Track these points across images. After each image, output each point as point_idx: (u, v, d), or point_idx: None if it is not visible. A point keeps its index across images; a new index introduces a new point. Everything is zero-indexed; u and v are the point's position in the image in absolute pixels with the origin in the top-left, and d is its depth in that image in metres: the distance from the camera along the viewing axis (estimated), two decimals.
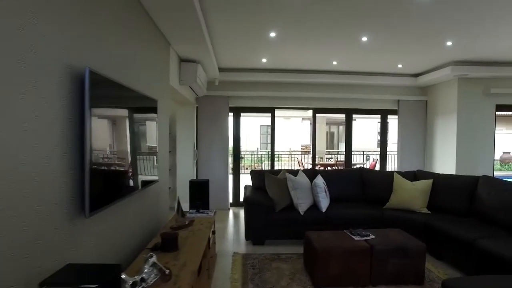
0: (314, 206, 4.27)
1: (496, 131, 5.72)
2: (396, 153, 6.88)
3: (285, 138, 16.08)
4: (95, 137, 1.74)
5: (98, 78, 1.75)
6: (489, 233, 3.21)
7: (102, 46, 1.96)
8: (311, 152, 7.05)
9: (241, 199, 5.75)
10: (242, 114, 6.58)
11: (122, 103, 2.20)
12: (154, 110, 3.00)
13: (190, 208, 3.77)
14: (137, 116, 2.52)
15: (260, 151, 15.36)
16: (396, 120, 6.66)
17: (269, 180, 4.35)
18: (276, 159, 12.11)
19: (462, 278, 2.42)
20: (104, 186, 1.88)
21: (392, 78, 6.12)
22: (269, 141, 6.70)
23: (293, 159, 13.75)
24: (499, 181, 3.81)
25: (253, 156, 14.11)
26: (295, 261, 3.58)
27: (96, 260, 1.86)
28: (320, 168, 9.59)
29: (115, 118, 2.11)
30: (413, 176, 4.65)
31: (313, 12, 3.29)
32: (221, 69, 5.76)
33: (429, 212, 4.09)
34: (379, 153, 7.21)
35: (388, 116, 6.85)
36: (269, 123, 6.68)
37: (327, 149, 15.86)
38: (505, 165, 14.75)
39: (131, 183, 2.40)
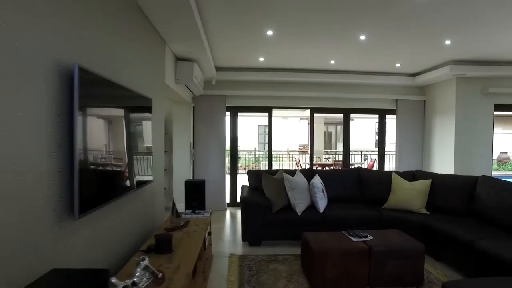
0: (312, 206, 4.22)
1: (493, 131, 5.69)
2: (394, 153, 6.85)
3: (283, 138, 16.04)
4: (85, 137, 1.68)
5: (88, 75, 1.69)
6: (489, 234, 3.17)
7: (93, 43, 1.90)
8: (309, 152, 7.01)
9: (238, 200, 5.69)
10: (239, 113, 6.53)
11: (114, 102, 2.14)
12: (148, 109, 2.95)
13: (186, 209, 3.72)
14: (130, 115, 2.46)
15: (258, 151, 15.31)
16: (394, 120, 6.62)
17: (266, 180, 4.30)
18: (273, 159, 12.07)
19: (462, 281, 2.38)
20: (95, 186, 1.83)
21: (390, 77, 6.08)
22: (266, 141, 6.65)
23: (291, 159, 13.70)
24: (498, 181, 3.77)
25: (250, 156, 14.06)
26: (292, 262, 3.53)
27: (86, 264, 1.80)
28: (318, 168, 9.54)
29: (107, 117, 2.05)
30: (411, 176, 4.61)
31: (310, 11, 3.24)
32: (218, 68, 5.71)
33: (428, 212, 4.05)
34: (377, 153, 7.18)
35: (386, 116, 6.81)
36: (267, 123, 6.62)
37: (325, 149, 15.85)
38: (503, 165, 14.77)
39: (124, 183, 2.34)
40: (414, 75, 6.12)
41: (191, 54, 4.29)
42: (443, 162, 5.84)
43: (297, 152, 15.04)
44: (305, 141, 16.15)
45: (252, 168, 12.96)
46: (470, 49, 4.50)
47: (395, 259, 2.93)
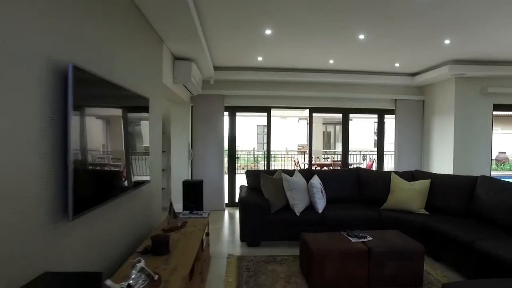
0: (311, 207, 4.19)
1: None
2: (393, 153, 6.83)
3: (282, 138, 16.01)
4: (79, 136, 1.65)
5: (83, 74, 1.66)
6: (488, 234, 3.15)
7: (88, 41, 1.86)
8: (308, 152, 6.98)
9: (237, 200, 5.66)
10: (237, 113, 6.50)
11: (109, 101, 2.11)
12: (145, 109, 2.91)
13: (184, 209, 3.69)
14: (127, 115, 2.43)
15: (257, 151, 15.29)
16: (393, 120, 6.60)
17: (265, 180, 4.27)
18: (272, 159, 12.04)
19: (462, 282, 2.36)
20: (90, 187, 1.79)
21: (389, 77, 6.06)
22: (265, 141, 6.62)
23: (289, 159, 13.69)
24: (497, 181, 3.76)
25: (249, 156, 14.04)
26: (291, 263, 3.50)
27: (81, 266, 1.77)
28: (317, 168, 9.52)
29: (102, 116, 2.02)
30: (410, 176, 4.59)
31: (309, 10, 3.21)
32: (216, 68, 5.68)
33: (427, 213, 4.03)
34: (375, 153, 7.16)
35: (385, 116, 6.79)
36: (266, 123, 6.60)
37: (323, 149, 15.83)
38: (501, 165, 14.79)
39: (121, 184, 2.31)
40: (413, 75, 6.11)
41: (189, 53, 4.26)
42: (442, 162, 5.82)
43: (296, 152, 15.01)
44: (304, 141, 16.14)
45: (251, 168, 12.93)
46: (470, 48, 4.48)
47: (394, 260, 2.91)
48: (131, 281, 1.65)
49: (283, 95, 6.24)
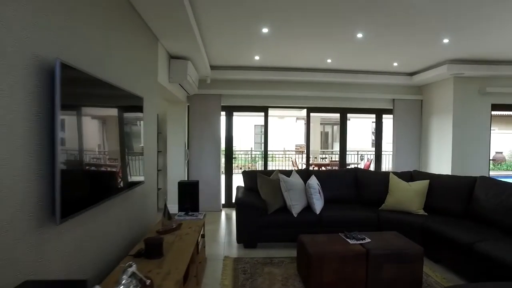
0: (308, 207, 4.14)
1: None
2: (390, 153, 6.79)
3: (279, 138, 15.97)
4: (68, 136, 1.59)
5: (72, 72, 1.60)
6: (488, 236, 3.11)
7: (78, 37, 1.80)
8: (305, 152, 6.93)
9: (234, 200, 5.60)
10: (235, 113, 6.44)
11: (101, 100, 2.04)
12: (139, 108, 2.85)
13: (179, 211, 3.62)
14: (119, 114, 2.36)
15: (254, 151, 15.23)
16: (391, 120, 6.56)
17: (262, 181, 4.21)
18: (270, 159, 11.98)
19: (464, 286, 2.31)
20: (80, 188, 1.73)
21: (387, 76, 6.02)
22: (263, 141, 6.56)
23: (287, 159, 13.63)
24: (497, 182, 3.71)
25: (247, 156, 13.97)
26: (288, 265, 3.44)
27: (69, 272, 1.71)
28: (315, 168, 9.47)
29: (93, 115, 1.95)
30: (409, 176, 4.55)
31: (307, 8, 3.15)
32: (213, 67, 5.61)
33: (426, 213, 3.99)
34: (373, 153, 7.11)
35: (383, 116, 6.75)
36: (263, 123, 6.54)
37: (321, 149, 15.78)
38: (498, 165, 14.81)
39: (113, 185, 2.24)
40: (411, 74, 6.06)
41: (185, 52, 4.19)
42: (440, 162, 5.79)
43: (294, 152, 14.96)
44: (302, 141, 16.09)
45: (249, 168, 12.86)
46: (468, 48, 4.44)
47: (393, 262, 2.86)
48: (121, 287, 1.59)
49: (281, 94, 6.18)
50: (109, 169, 2.20)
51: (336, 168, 8.69)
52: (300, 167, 10.63)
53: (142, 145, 2.98)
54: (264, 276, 3.18)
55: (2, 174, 1.23)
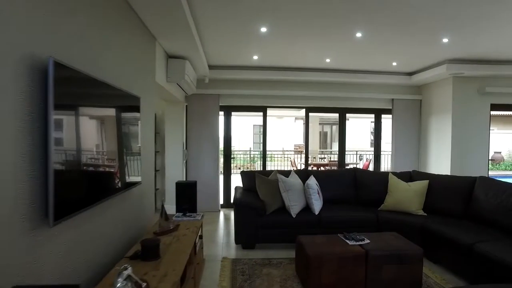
0: (307, 208, 4.11)
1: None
2: (389, 153, 6.77)
3: (278, 138, 15.92)
4: (62, 136, 1.56)
5: (66, 71, 1.57)
6: (488, 236, 3.09)
7: (73, 36, 1.76)
8: (304, 152, 6.90)
9: (232, 201, 5.57)
10: (233, 113, 6.41)
11: (96, 100, 2.01)
12: (136, 108, 2.82)
13: (177, 211, 3.59)
14: (115, 114, 2.33)
15: (253, 151, 15.19)
16: (390, 120, 6.55)
17: (260, 181, 4.18)
18: (269, 159, 11.95)
19: None
20: (74, 190, 1.70)
21: (386, 76, 5.99)
22: (261, 141, 6.54)
23: (286, 159, 13.60)
24: (496, 182, 3.69)
25: (246, 156, 13.94)
26: (287, 266, 3.41)
27: (64, 276, 1.67)
28: (313, 168, 9.46)
29: (88, 115, 1.92)
30: (408, 176, 4.53)
31: (305, 7, 3.12)
32: (211, 67, 5.58)
33: (425, 214, 3.96)
34: (372, 153, 7.09)
35: (382, 116, 6.73)
36: (262, 123, 6.51)
37: (320, 149, 15.76)
38: (497, 165, 14.82)
39: (109, 185, 2.21)
40: (410, 74, 6.04)
41: (182, 51, 4.16)
42: (439, 162, 5.77)
43: (293, 152, 14.94)
44: (301, 141, 16.05)
45: (247, 168, 12.84)
46: (468, 47, 4.42)
47: (392, 264, 2.83)
48: None
49: (279, 94, 6.15)
50: (104, 169, 2.17)
51: (335, 168, 8.67)
52: (299, 167, 10.61)
53: (139, 145, 2.95)
54: (263, 277, 3.15)
55: None
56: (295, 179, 4.26)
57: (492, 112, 5.62)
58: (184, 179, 5.86)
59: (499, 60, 5.04)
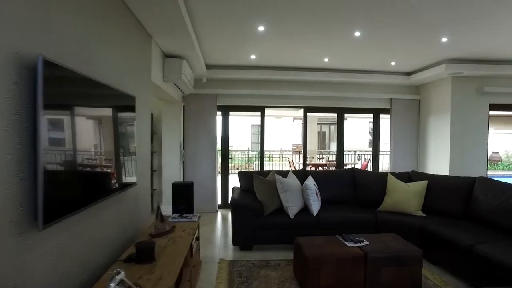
0: (305, 209, 4.07)
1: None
2: (387, 153, 6.74)
3: (276, 138, 15.88)
4: (52, 137, 1.51)
5: (56, 69, 1.52)
6: (488, 238, 3.06)
7: (65, 33, 1.71)
8: (302, 152, 6.87)
9: (229, 201, 5.53)
10: (231, 113, 6.36)
11: (89, 99, 1.96)
12: (131, 108, 2.77)
13: (173, 212, 3.54)
14: (109, 114, 2.29)
15: (251, 151, 15.15)
16: (388, 120, 6.51)
17: (258, 182, 4.14)
18: (267, 159, 11.91)
19: None
20: (65, 192, 1.65)
21: (385, 76, 5.96)
22: (259, 141, 6.49)
23: (284, 159, 13.56)
24: (496, 183, 3.67)
25: (244, 156, 13.89)
26: (285, 268, 3.37)
27: (54, 281, 1.62)
28: (312, 168, 9.42)
29: (80, 115, 1.87)
30: (407, 177, 4.49)
31: (303, 3, 3.08)
32: (208, 66, 5.53)
33: (424, 214, 3.93)
34: (371, 153, 7.06)
35: (380, 115, 6.70)
36: (260, 123, 6.46)
37: (318, 149, 15.75)
38: (494, 165, 14.83)
39: (102, 187, 2.16)
40: (409, 74, 6.01)
41: (179, 50, 4.11)
42: (438, 162, 5.74)
43: (291, 152, 14.90)
44: (299, 141, 16.02)
45: (245, 168, 12.80)
46: (467, 47, 4.39)
47: (392, 265, 2.80)
48: None
49: (277, 94, 6.11)
50: (97, 170, 2.12)
51: (333, 168, 8.63)
52: (297, 167, 10.58)
53: (134, 145, 2.90)
54: (260, 279, 3.11)
55: None
56: (293, 180, 4.22)
57: (491, 112, 5.59)
58: (182, 179, 5.81)
59: (498, 59, 5.01)
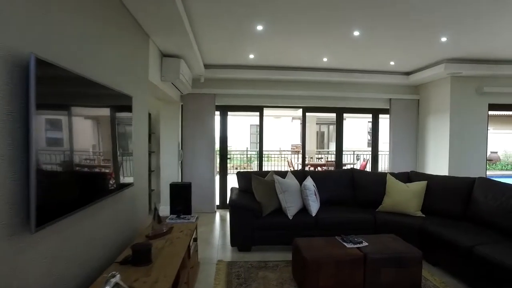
0: (304, 209, 4.04)
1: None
2: (386, 153, 6.72)
3: (275, 138, 15.87)
4: (45, 137, 1.48)
5: (50, 68, 1.49)
6: (487, 239, 3.04)
7: (59, 32, 1.68)
8: (301, 152, 6.84)
9: (228, 202, 5.49)
10: (229, 113, 6.33)
11: (84, 99, 1.92)
12: (128, 108, 2.74)
13: (171, 213, 3.51)
14: (105, 114, 2.25)
15: (250, 151, 15.13)
16: (387, 120, 6.49)
17: (256, 182, 4.11)
18: (265, 159, 11.88)
19: None
20: (59, 193, 1.62)
21: (384, 76, 5.93)
22: (258, 140, 6.46)
23: (283, 159, 13.55)
24: (496, 183, 3.65)
25: (242, 156, 13.87)
26: (283, 269, 3.34)
27: (49, 285, 1.59)
28: (310, 169, 9.41)
29: (75, 115, 1.83)
30: (406, 177, 4.47)
31: (302, 5, 3.05)
32: (206, 66, 5.49)
33: (423, 215, 3.91)
34: (369, 153, 7.04)
35: (379, 115, 6.68)
36: (258, 123, 6.43)
37: (317, 149, 15.74)
38: (493, 165, 14.85)
39: (97, 188, 2.13)
40: (408, 73, 5.99)
41: (177, 50, 4.08)
42: (437, 162, 5.72)
43: (290, 152, 14.88)
44: (298, 141, 16.01)
45: (244, 168, 12.77)
46: (466, 47, 4.37)
47: (391, 267, 2.77)
48: None
49: (276, 94, 6.08)
50: (92, 171, 2.09)
51: (332, 168, 8.61)
52: (296, 167, 10.55)
53: (132, 145, 2.86)
54: (259, 281, 3.08)
55: None
56: (291, 180, 4.19)
57: (490, 112, 5.58)
58: (180, 180, 5.78)
59: (497, 59, 5.00)
